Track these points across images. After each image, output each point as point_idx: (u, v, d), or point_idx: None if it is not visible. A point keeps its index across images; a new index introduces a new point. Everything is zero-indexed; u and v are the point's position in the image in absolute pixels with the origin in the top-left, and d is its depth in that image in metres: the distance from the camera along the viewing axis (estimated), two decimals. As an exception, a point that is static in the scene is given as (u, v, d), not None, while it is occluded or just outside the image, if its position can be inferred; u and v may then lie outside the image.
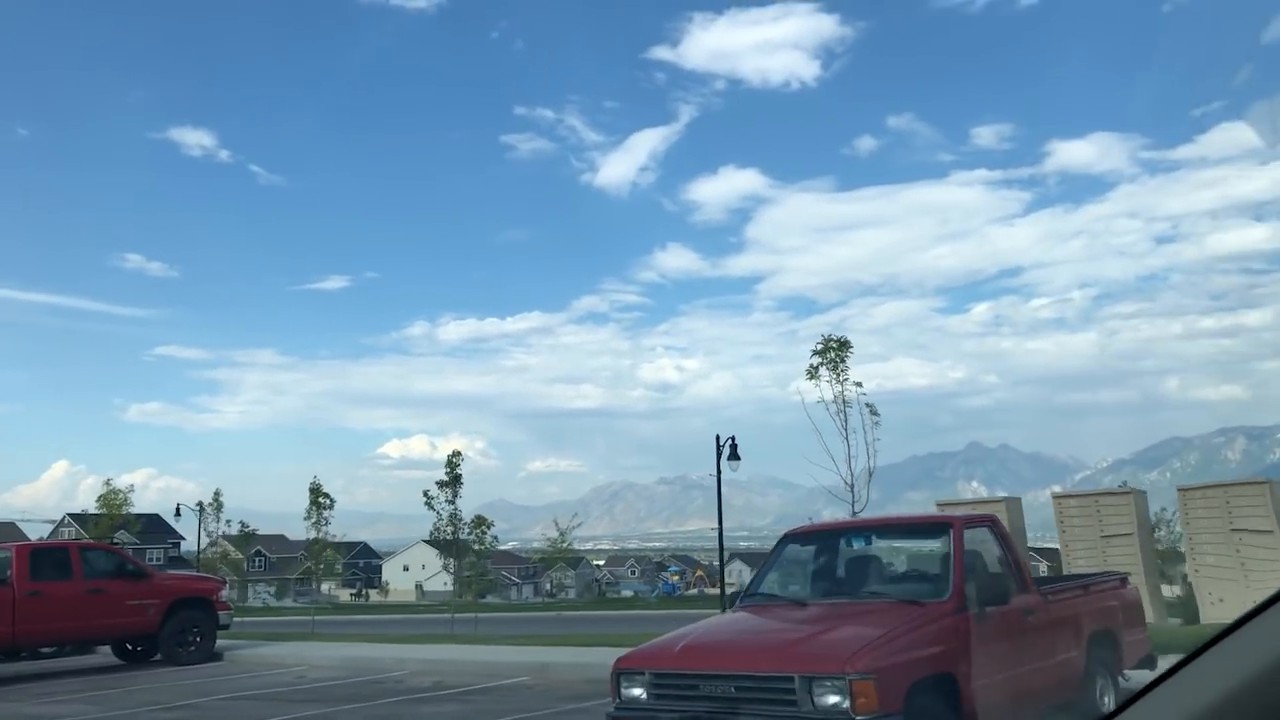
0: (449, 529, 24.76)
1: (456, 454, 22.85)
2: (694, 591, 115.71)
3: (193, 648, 17.78)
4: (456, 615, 27.45)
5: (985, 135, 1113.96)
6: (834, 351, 17.66)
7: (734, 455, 33.61)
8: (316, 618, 30.41)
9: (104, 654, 19.81)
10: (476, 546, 31.38)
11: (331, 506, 26.12)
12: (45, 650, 18.18)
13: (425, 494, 23.54)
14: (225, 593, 19.37)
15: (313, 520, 26.03)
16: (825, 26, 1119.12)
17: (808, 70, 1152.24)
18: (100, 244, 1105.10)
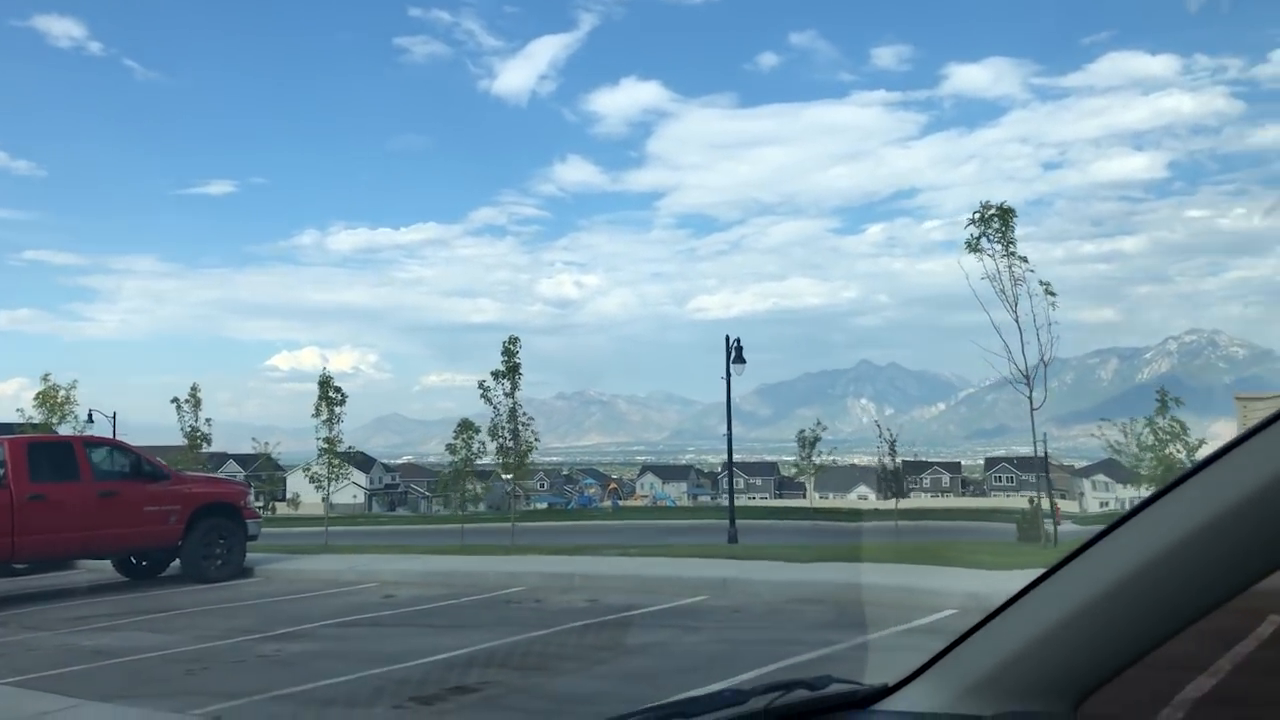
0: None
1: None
2: (607, 504, 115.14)
3: (220, 561, 14.93)
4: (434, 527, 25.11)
5: (885, 56, 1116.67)
6: (998, 220, 15.43)
7: (739, 359, 31.62)
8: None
9: (88, 568, 16.82)
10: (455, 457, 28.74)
11: (343, 403, 23.15)
12: (18, 567, 15.10)
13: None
14: (252, 498, 16.42)
15: (324, 418, 22.95)
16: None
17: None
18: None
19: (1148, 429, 24.62)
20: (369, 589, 13.11)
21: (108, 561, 15.75)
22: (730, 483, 29.38)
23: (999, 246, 15.38)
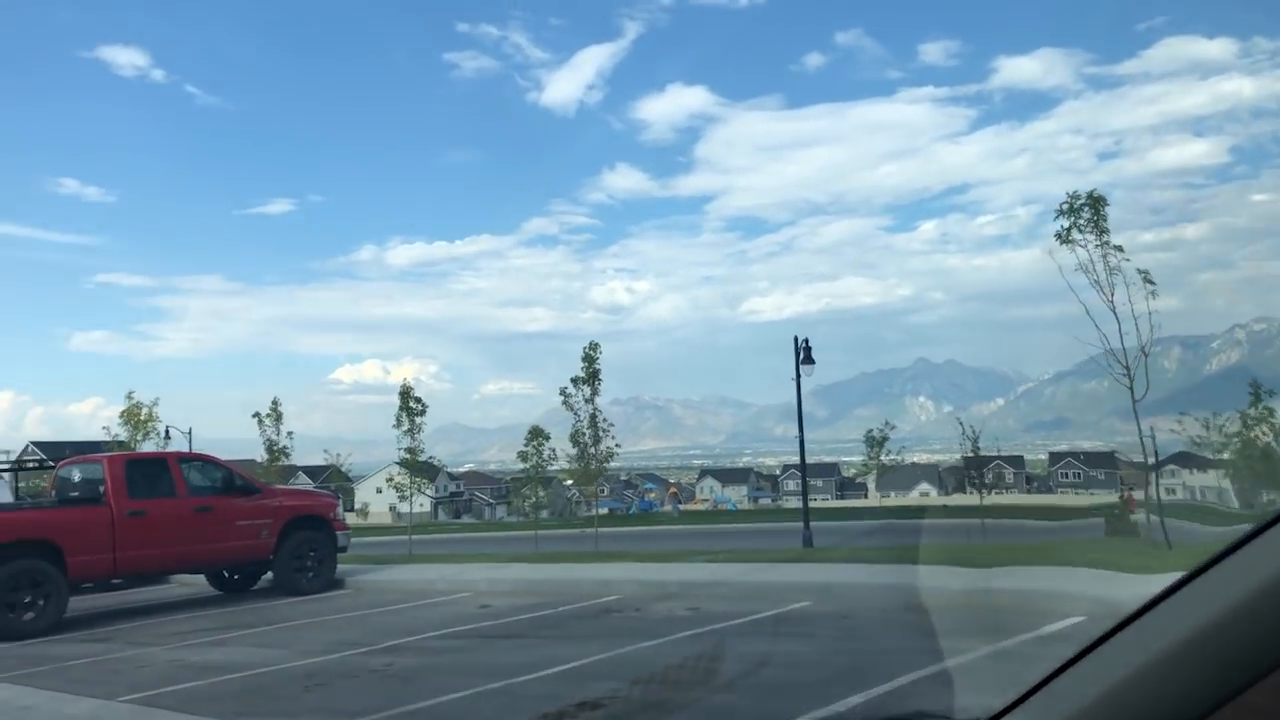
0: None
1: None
2: (668, 508, 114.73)
3: (311, 573, 14.99)
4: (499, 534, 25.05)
5: (932, 52, 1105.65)
6: (1089, 209, 14.98)
7: (808, 359, 31.26)
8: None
9: (182, 582, 17.04)
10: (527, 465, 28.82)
11: (424, 413, 23.24)
12: (115, 582, 15.33)
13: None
14: (340, 510, 16.50)
15: (405, 428, 23.06)
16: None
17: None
18: (34, 170, 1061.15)
19: (1239, 422, 23.69)
20: (464, 599, 13.05)
21: (200, 576, 15.95)
22: (804, 485, 28.97)
23: (1091, 236, 14.92)
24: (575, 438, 22.05)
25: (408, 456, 23.66)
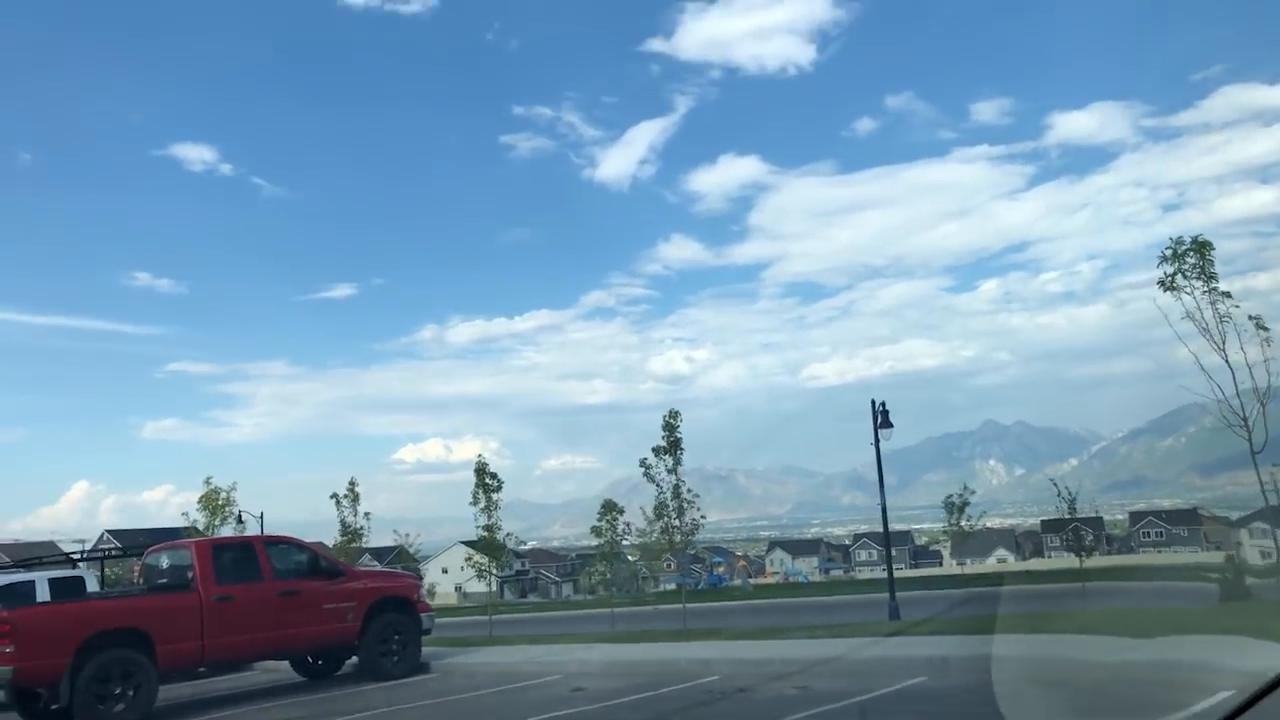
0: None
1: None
2: (738, 582, 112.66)
3: (397, 657, 14.67)
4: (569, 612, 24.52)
5: (985, 111, 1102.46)
6: (1194, 255, 14.43)
7: (886, 423, 30.55)
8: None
9: (264, 669, 16.80)
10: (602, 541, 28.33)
11: (499, 489, 22.97)
12: (200, 670, 15.15)
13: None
14: (424, 591, 16.21)
15: (482, 505, 22.81)
16: (819, 9, 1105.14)
17: (804, 54, 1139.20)
18: (108, 264, 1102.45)
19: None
20: (555, 682, 12.61)
21: (283, 662, 15.71)
22: (888, 553, 28.05)
23: (1198, 282, 14.32)
24: (659, 510, 21.54)
25: (485, 535, 23.36)
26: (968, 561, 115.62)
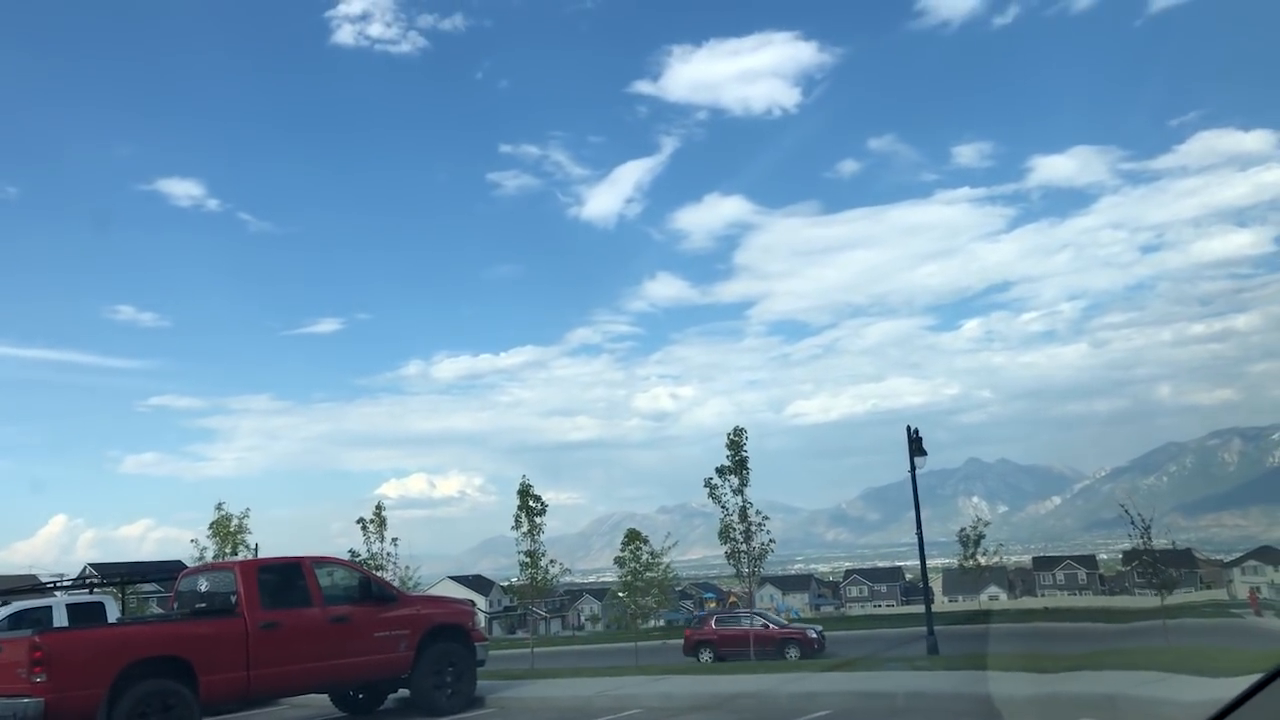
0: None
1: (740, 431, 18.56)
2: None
3: (450, 690, 13.48)
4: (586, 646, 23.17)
5: (966, 154, 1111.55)
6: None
7: (920, 450, 29.67)
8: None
9: (293, 704, 15.51)
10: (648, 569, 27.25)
11: (543, 513, 21.78)
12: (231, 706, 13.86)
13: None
14: (480, 619, 15.05)
15: (524, 530, 21.59)
16: (804, 54, 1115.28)
17: (788, 97, 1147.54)
18: (92, 297, 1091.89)
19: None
20: (638, 717, 11.47)
21: (322, 695, 14.45)
22: (925, 586, 27.10)
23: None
24: (724, 533, 20.36)
25: (527, 560, 22.11)
26: (959, 598, 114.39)
